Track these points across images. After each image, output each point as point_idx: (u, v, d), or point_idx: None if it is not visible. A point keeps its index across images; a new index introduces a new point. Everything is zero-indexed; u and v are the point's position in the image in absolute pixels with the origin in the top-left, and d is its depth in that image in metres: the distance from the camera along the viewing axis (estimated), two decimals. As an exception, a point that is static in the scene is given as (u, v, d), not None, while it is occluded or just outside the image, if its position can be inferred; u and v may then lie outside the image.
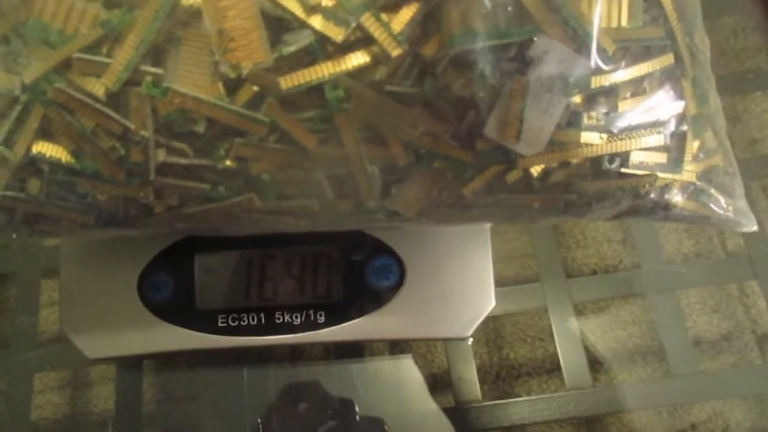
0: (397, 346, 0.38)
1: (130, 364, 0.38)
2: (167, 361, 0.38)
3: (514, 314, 0.41)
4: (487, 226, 0.33)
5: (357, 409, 0.35)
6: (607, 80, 0.22)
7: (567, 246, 0.46)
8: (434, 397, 0.38)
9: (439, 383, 0.39)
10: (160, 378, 0.38)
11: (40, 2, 0.20)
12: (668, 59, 0.23)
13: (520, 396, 0.39)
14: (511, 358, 0.43)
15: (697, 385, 0.37)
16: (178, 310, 0.31)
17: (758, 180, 0.43)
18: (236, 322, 0.31)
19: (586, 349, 0.38)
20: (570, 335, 0.38)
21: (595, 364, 0.40)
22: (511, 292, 0.39)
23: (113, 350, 0.32)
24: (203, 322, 0.31)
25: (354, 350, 0.37)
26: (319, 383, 0.36)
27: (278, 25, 0.20)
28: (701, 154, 0.25)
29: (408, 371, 0.38)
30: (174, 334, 0.31)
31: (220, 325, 0.31)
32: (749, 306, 0.42)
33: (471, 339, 0.34)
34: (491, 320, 0.41)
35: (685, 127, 0.24)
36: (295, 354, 0.37)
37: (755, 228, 0.28)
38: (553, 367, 0.41)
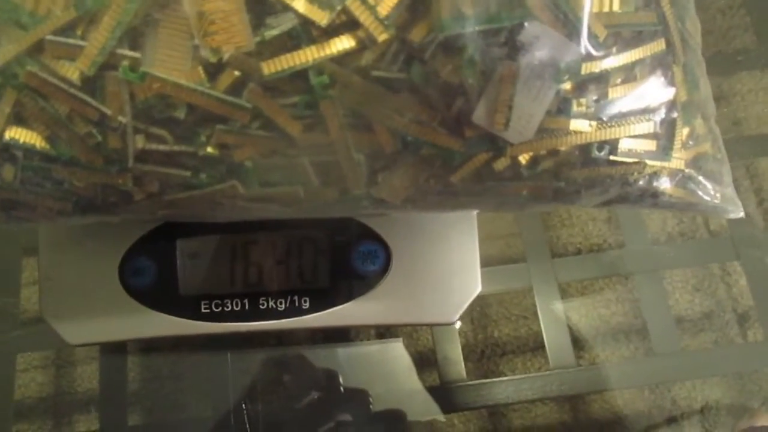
0: (385, 329, 0.38)
1: (114, 346, 0.37)
2: (151, 344, 0.38)
3: (500, 294, 0.42)
4: (474, 212, 0.32)
5: (341, 382, 0.35)
6: (597, 66, 0.22)
7: (552, 225, 0.46)
8: (420, 376, 0.38)
9: (425, 363, 0.40)
10: (144, 358, 0.38)
11: (10, -19, 0.19)
12: (660, 45, 0.23)
13: (505, 375, 0.39)
14: (496, 337, 0.44)
15: (679, 363, 0.38)
16: (160, 295, 0.31)
17: (743, 160, 0.43)
18: (220, 308, 0.31)
19: (570, 328, 0.39)
20: (554, 315, 0.38)
21: (578, 342, 0.40)
22: (497, 272, 0.39)
23: (95, 336, 0.32)
24: (186, 308, 0.31)
25: (341, 333, 0.37)
26: (304, 358, 0.36)
27: (260, 7, 0.19)
28: (690, 142, 0.25)
29: (394, 351, 0.38)
30: (156, 320, 0.31)
31: (203, 311, 0.31)
32: (731, 285, 0.42)
33: (459, 323, 0.34)
34: (477, 300, 0.41)
35: (675, 114, 0.24)
36: (282, 338, 0.37)
37: (741, 214, 0.28)
38: (537, 346, 0.41)
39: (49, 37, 0.19)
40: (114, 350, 0.37)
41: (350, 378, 0.36)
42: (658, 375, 0.38)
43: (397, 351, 0.38)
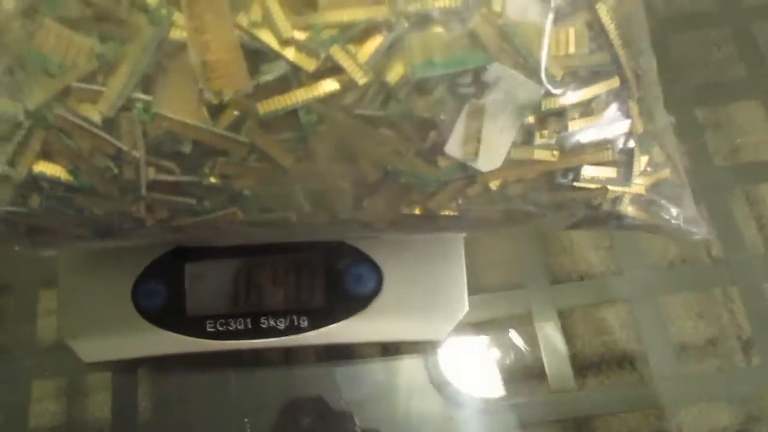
0: (385, 349, 0.40)
1: (126, 371, 0.39)
2: (162, 367, 0.39)
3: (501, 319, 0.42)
4: (461, 235, 0.35)
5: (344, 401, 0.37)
6: (556, 103, 0.24)
7: (554, 252, 0.47)
8: (420, 402, 0.39)
9: (426, 387, 0.40)
10: (155, 386, 0.39)
11: (41, 36, 0.22)
12: (614, 82, 0.25)
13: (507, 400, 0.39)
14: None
15: (681, 389, 0.39)
16: (169, 316, 0.33)
17: (741, 186, 0.44)
18: (224, 327, 0.33)
19: (570, 353, 0.39)
20: (553, 340, 0.39)
21: (580, 368, 0.41)
22: (497, 298, 0.40)
23: (108, 354, 0.34)
24: (193, 327, 0.33)
25: (342, 352, 0.39)
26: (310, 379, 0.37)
27: (256, 56, 0.22)
28: (650, 168, 0.27)
29: (397, 374, 0.39)
30: (165, 338, 0.33)
31: (208, 330, 0.33)
32: (734, 311, 0.43)
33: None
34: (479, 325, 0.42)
35: (632, 144, 0.26)
36: (287, 356, 0.39)
37: (707, 234, 0.30)
38: (538, 372, 0.42)
39: (74, 84, 0.22)
40: (125, 377, 0.39)
41: (352, 399, 0.37)
42: (662, 399, 0.39)
43: (399, 373, 0.39)
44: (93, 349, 0.34)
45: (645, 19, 0.29)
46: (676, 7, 0.49)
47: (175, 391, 0.39)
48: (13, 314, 0.41)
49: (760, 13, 0.48)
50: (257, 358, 0.37)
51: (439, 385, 0.38)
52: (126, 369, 0.39)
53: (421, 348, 0.39)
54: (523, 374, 0.40)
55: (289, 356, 0.37)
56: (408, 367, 0.38)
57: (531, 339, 0.40)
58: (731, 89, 0.46)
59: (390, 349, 0.39)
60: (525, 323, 0.40)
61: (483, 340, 0.40)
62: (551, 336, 0.40)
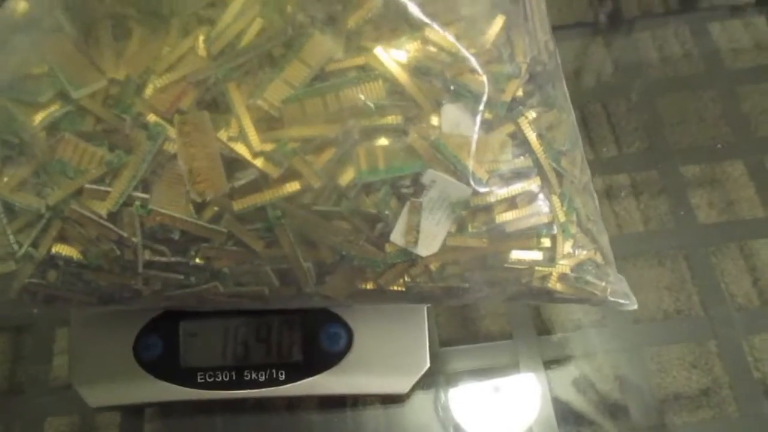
0: (358, 400, 0.43)
1: (133, 412, 0.42)
2: (165, 411, 0.42)
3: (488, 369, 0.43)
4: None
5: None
6: (483, 200, 0.29)
7: (542, 305, 0.49)
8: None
9: None
10: (160, 425, 0.42)
11: (62, 147, 0.27)
12: (536, 181, 0.30)
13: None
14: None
15: None
16: (165, 367, 0.37)
17: (737, 241, 0.46)
18: (212, 378, 0.37)
19: (555, 403, 0.40)
20: (540, 390, 0.41)
21: (564, 417, 0.41)
22: (485, 348, 0.41)
23: (111, 400, 0.38)
24: (186, 377, 0.37)
25: (317, 402, 0.43)
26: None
27: (232, 165, 0.27)
28: (574, 251, 0.32)
29: (367, 424, 0.41)
30: (162, 387, 0.37)
31: (199, 380, 0.37)
32: (726, 362, 0.42)
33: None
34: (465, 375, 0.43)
35: (554, 231, 0.31)
36: (266, 405, 0.43)
37: (635, 307, 0.34)
38: (523, 424, 0.43)
39: (87, 185, 0.28)
40: (133, 417, 0.41)
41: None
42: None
43: (372, 421, 0.42)
44: (98, 395, 0.38)
45: (571, 122, 0.33)
46: (667, 70, 0.52)
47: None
48: (30, 353, 0.43)
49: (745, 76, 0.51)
50: (241, 407, 0.41)
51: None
52: (133, 411, 0.42)
53: (398, 398, 0.42)
54: (511, 424, 0.41)
55: (268, 405, 0.41)
56: (376, 417, 0.41)
57: (518, 389, 0.41)
58: (726, 148, 0.48)
59: (363, 400, 0.42)
60: (512, 373, 0.42)
61: (473, 388, 0.42)
62: (538, 386, 0.41)
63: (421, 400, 0.42)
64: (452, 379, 0.42)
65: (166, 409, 0.42)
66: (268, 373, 0.37)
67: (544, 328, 0.43)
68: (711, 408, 0.41)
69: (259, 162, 0.27)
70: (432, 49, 0.29)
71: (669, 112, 0.50)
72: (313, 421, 0.41)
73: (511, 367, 0.42)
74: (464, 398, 0.41)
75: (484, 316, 0.44)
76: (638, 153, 0.49)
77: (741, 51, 0.53)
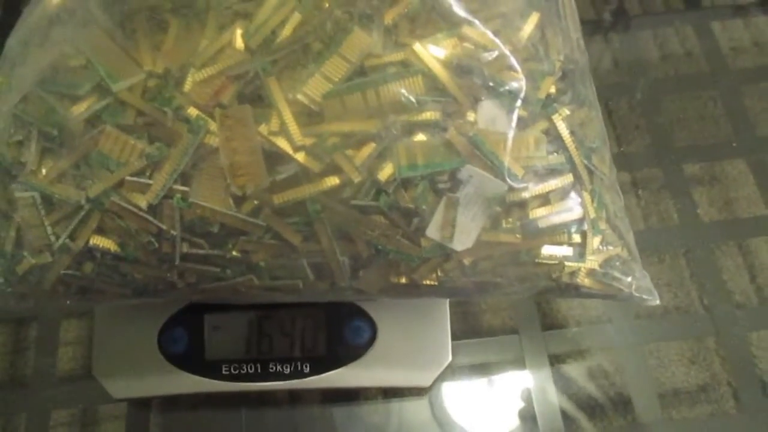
0: (382, 392, 0.42)
1: (140, 405, 0.42)
2: (174, 401, 0.42)
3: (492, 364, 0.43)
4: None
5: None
6: (518, 196, 0.29)
7: (546, 299, 0.50)
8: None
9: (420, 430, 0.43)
10: (166, 417, 0.42)
11: (103, 140, 0.28)
12: (568, 178, 0.30)
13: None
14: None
15: None
16: (190, 359, 0.38)
17: (736, 239, 0.46)
18: (237, 371, 0.38)
19: (560, 398, 0.41)
20: (544, 386, 0.41)
21: (569, 413, 0.41)
22: (490, 343, 0.42)
23: (135, 392, 0.39)
24: (210, 370, 0.38)
25: (341, 395, 0.43)
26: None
27: (273, 159, 0.28)
28: (602, 247, 0.32)
29: (391, 415, 0.41)
30: (186, 379, 0.38)
31: (224, 373, 0.38)
32: (725, 358, 0.43)
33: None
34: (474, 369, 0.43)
35: (585, 228, 0.31)
36: (291, 397, 0.43)
37: (657, 302, 0.35)
38: (527, 416, 0.42)
39: (128, 177, 0.28)
40: (139, 409, 0.41)
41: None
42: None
43: (397, 415, 0.42)
44: (122, 387, 0.38)
45: (599, 119, 0.34)
46: (669, 69, 0.52)
47: (186, 425, 0.42)
48: (36, 344, 0.43)
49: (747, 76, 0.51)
50: (265, 399, 0.41)
51: (434, 428, 0.41)
52: (139, 403, 0.42)
53: (413, 392, 0.43)
54: (516, 417, 0.42)
55: (294, 397, 0.42)
56: (401, 409, 0.42)
57: (523, 383, 0.42)
58: (726, 146, 0.49)
59: (386, 393, 0.42)
60: (518, 368, 0.42)
61: (479, 383, 0.42)
62: (542, 381, 0.42)
63: (428, 395, 0.42)
64: (458, 373, 0.42)
65: (171, 402, 0.42)
66: (292, 366, 0.38)
67: (548, 324, 0.44)
68: (709, 404, 0.42)
69: (300, 156, 0.27)
70: (469, 45, 0.29)
71: (670, 111, 0.50)
72: (337, 413, 0.41)
73: (516, 361, 0.42)
74: (469, 392, 0.42)
75: (489, 311, 0.45)
76: (639, 151, 0.49)
77: (743, 50, 0.53)
